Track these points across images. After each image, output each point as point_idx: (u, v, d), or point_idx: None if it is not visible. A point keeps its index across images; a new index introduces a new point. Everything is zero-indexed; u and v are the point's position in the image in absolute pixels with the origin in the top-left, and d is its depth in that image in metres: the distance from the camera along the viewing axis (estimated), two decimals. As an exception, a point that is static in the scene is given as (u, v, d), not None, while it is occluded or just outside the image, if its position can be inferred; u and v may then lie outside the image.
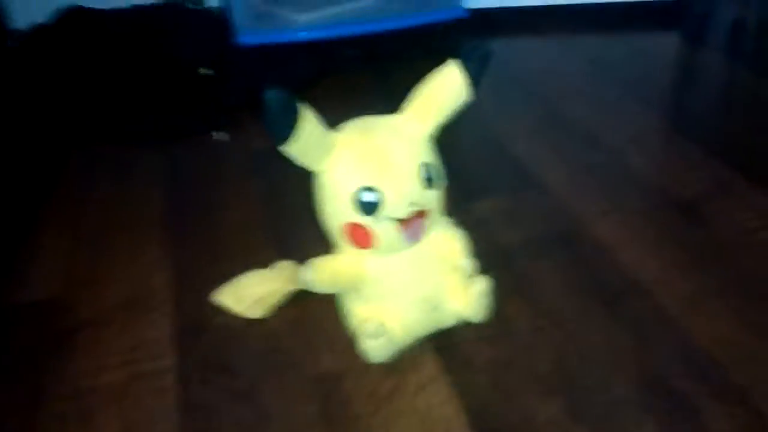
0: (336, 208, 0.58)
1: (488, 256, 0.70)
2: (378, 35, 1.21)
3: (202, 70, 1.14)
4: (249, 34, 1.17)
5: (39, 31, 1.23)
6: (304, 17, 1.20)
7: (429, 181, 0.59)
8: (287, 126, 0.54)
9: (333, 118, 0.60)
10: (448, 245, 0.63)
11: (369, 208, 0.57)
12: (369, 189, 0.57)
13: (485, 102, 1.09)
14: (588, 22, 1.39)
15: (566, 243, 0.77)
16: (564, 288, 0.71)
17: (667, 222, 0.79)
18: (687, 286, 0.69)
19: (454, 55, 0.59)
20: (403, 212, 0.58)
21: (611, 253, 0.75)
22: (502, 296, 0.68)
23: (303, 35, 1.18)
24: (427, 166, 0.59)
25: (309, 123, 0.55)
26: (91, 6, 1.30)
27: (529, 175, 0.90)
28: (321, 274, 0.59)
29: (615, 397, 0.58)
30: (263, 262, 0.73)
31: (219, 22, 1.24)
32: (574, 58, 1.26)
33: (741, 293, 0.68)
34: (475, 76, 0.59)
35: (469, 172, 0.93)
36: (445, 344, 0.64)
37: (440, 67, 0.60)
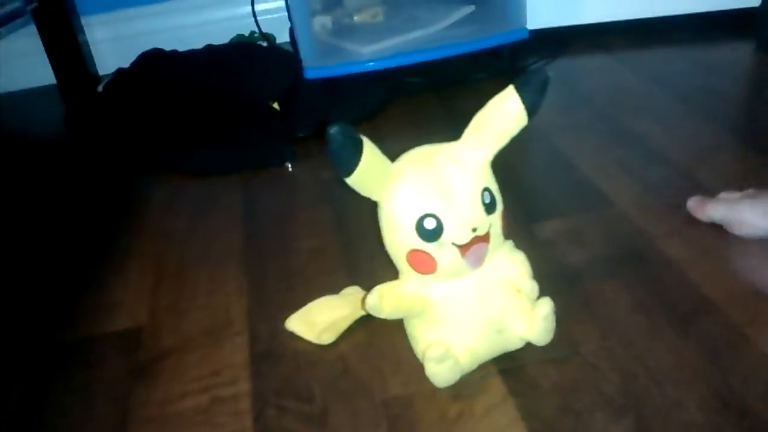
0: (398, 235, 0.60)
1: (554, 278, 0.70)
2: (442, 61, 1.24)
3: (272, 105, 1.20)
4: (315, 68, 1.22)
5: (120, 74, 1.32)
6: (369, 49, 1.24)
7: (488, 206, 0.60)
8: (350, 159, 0.57)
9: (398, 145, 0.63)
10: (510, 268, 0.64)
11: (430, 235, 0.59)
12: (430, 216, 0.58)
13: (552, 121, 1.09)
14: (655, 35, 1.37)
15: (634, 262, 0.76)
16: (632, 307, 0.70)
17: (738, 240, 0.78)
18: (759, 305, 0.68)
19: (513, 81, 0.60)
20: (464, 238, 0.59)
21: (680, 271, 0.74)
22: (568, 317, 0.68)
23: (368, 66, 1.22)
24: (486, 191, 0.60)
25: (370, 155, 0.58)
26: (168, 48, 1.38)
27: (595, 193, 0.90)
28: (385, 300, 0.61)
29: (686, 418, 0.57)
30: (334, 289, 0.76)
31: (289, 57, 1.29)
32: (641, 73, 1.24)
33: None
34: (533, 102, 0.60)
35: (534, 192, 0.93)
36: (511, 367, 0.65)
37: (499, 93, 0.61)
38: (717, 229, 0.79)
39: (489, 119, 0.61)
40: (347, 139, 0.56)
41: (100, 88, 1.35)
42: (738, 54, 1.27)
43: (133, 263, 0.90)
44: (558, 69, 1.32)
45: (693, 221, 0.81)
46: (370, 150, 0.57)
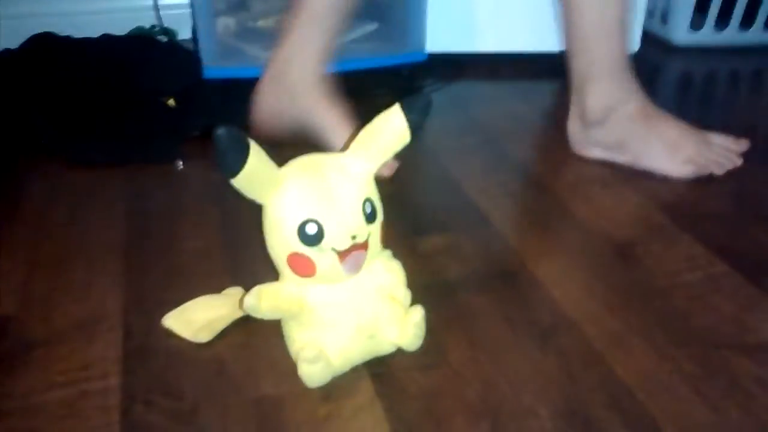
0: (280, 238, 0.62)
1: (430, 290, 0.74)
2: (341, 74, 1.26)
3: (167, 100, 1.18)
4: (215, 69, 1.22)
5: (8, 54, 1.26)
6: (270, 54, 1.24)
7: (369, 216, 0.63)
8: (235, 160, 0.58)
9: (291, 152, 0.64)
10: (386, 276, 0.67)
11: (311, 240, 0.61)
12: (312, 221, 0.60)
13: (443, 142, 1.14)
14: (546, 68, 1.45)
15: (506, 279, 0.81)
16: (499, 322, 0.74)
17: (601, 262, 0.84)
18: (613, 323, 0.74)
19: (400, 101, 0.63)
20: (344, 244, 0.61)
21: (547, 291, 0.79)
22: (439, 328, 0.72)
23: (268, 71, 1.22)
24: (367, 201, 0.63)
25: (256, 158, 0.59)
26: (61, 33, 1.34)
27: (476, 213, 0.95)
28: (263, 300, 0.62)
29: (537, 425, 0.62)
30: (217, 289, 0.76)
31: (188, 55, 1.28)
32: (531, 103, 1.32)
33: (660, 331, 0.72)
34: (416, 123, 0.64)
35: (420, 208, 0.97)
36: (381, 371, 0.67)
37: (385, 111, 0.64)
38: (581, 251, 0.86)
39: (374, 134, 0.64)
40: (234, 140, 0.57)
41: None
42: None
43: (5, 251, 0.87)
44: (452, 93, 1.37)
45: (560, 242, 0.87)
46: (256, 153, 0.58)
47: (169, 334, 0.72)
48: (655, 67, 1.57)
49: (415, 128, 0.63)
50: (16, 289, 0.80)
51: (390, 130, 0.63)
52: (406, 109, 0.63)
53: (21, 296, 0.79)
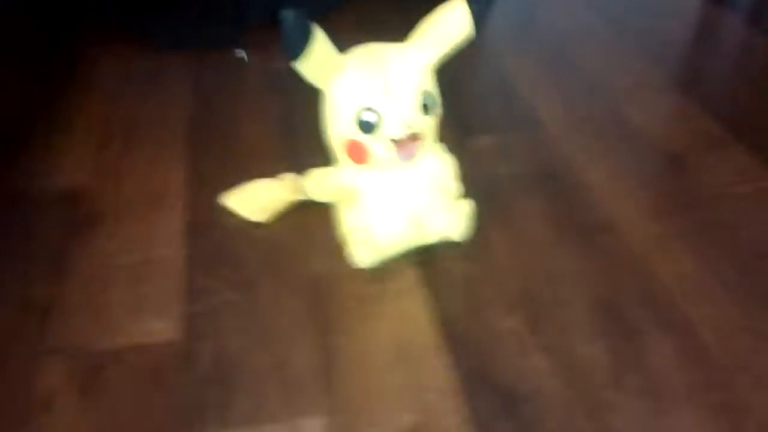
0: (338, 125, 0.64)
1: (478, 187, 0.76)
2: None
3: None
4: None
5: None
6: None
7: (426, 108, 0.64)
8: (300, 44, 0.59)
9: (350, 45, 0.66)
10: (438, 168, 0.69)
11: (368, 127, 0.63)
12: (369, 109, 0.62)
13: (502, 42, 1.13)
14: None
15: (552, 181, 0.82)
16: (544, 219, 0.76)
17: (650, 170, 0.85)
18: (656, 227, 0.75)
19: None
20: (400, 134, 0.63)
21: (592, 193, 0.80)
22: (485, 222, 0.74)
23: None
24: (425, 93, 0.64)
25: (320, 43, 0.61)
26: None
27: (528, 115, 0.95)
28: (319, 184, 0.66)
29: (572, 316, 0.65)
30: (273, 173, 0.80)
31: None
32: (595, 8, 1.28)
33: (704, 238, 0.74)
34: (479, 16, 0.64)
35: (472, 107, 0.98)
36: (427, 259, 0.71)
37: (448, 2, 0.64)
38: (632, 157, 0.86)
39: (435, 25, 0.65)
40: (300, 23, 0.59)
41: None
42: (688, 2, 1.32)
43: (80, 122, 0.92)
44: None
45: (611, 148, 0.88)
46: (320, 38, 0.60)
47: (229, 212, 0.76)
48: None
49: (478, 21, 0.64)
50: (88, 162, 0.85)
51: (452, 21, 0.64)
52: (468, 2, 0.63)
53: (92, 169, 0.84)
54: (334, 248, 0.71)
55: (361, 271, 0.69)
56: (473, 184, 0.74)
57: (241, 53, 1.09)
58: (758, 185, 0.81)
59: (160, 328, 0.64)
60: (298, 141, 0.89)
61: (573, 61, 1.09)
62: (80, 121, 0.93)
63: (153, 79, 1.04)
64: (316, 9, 1.15)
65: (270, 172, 0.80)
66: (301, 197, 0.75)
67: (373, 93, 0.63)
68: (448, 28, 0.65)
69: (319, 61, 0.61)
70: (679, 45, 1.17)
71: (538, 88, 1.02)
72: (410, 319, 0.65)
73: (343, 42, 0.64)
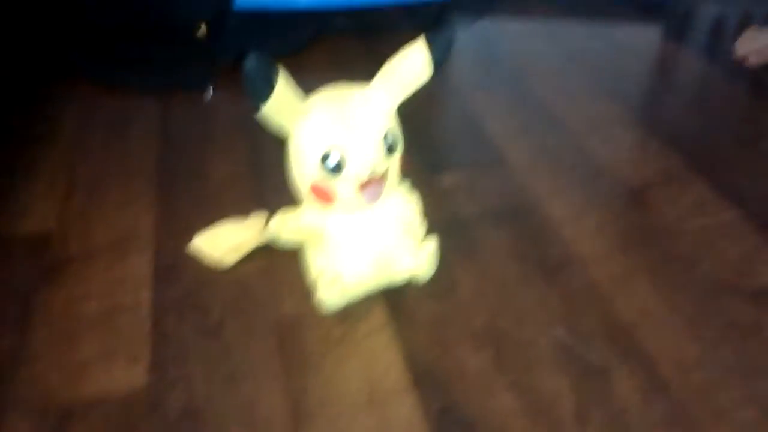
0: (303, 167, 0.65)
1: (445, 223, 0.77)
2: (372, 8, 1.27)
3: (198, 29, 1.20)
4: (247, -2, 1.23)
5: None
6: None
7: (389, 148, 0.66)
8: (264, 87, 0.60)
9: (318, 83, 0.67)
10: (403, 208, 0.70)
11: (333, 169, 0.64)
12: (334, 151, 0.63)
13: (467, 79, 1.15)
14: (576, 10, 1.44)
15: (517, 217, 0.84)
16: (509, 256, 0.78)
17: (612, 204, 0.86)
18: (618, 262, 0.77)
19: (423, 36, 0.65)
20: (364, 175, 0.64)
21: (556, 229, 0.82)
22: (451, 260, 0.75)
23: (300, 3, 1.23)
24: (388, 135, 0.65)
25: (284, 86, 0.62)
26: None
27: (494, 151, 0.97)
28: (285, 227, 0.66)
29: (537, 353, 0.66)
30: (243, 214, 0.80)
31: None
32: (557, 43, 1.31)
33: (664, 272, 0.75)
34: (438, 59, 0.65)
35: (439, 145, 0.99)
36: (394, 298, 0.72)
37: (408, 46, 0.66)
38: (594, 191, 0.88)
39: (397, 69, 0.66)
40: (263, 68, 0.60)
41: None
42: (646, 37, 1.36)
43: (47, 172, 0.92)
44: (481, 29, 1.37)
45: (574, 183, 0.89)
46: (284, 82, 0.61)
47: (198, 255, 0.77)
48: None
49: (437, 64, 0.65)
50: (56, 208, 0.85)
51: (413, 64, 0.66)
52: (428, 45, 0.65)
53: (60, 213, 0.84)
54: (302, 290, 0.72)
55: (330, 313, 0.69)
56: (439, 222, 0.75)
57: (209, 95, 1.10)
58: (717, 219, 0.83)
59: (128, 375, 0.64)
60: (267, 180, 0.90)
61: (535, 96, 1.12)
62: (47, 164, 0.93)
63: (120, 121, 1.04)
64: (282, 49, 1.19)
65: (239, 212, 0.80)
66: (266, 236, 0.75)
67: (338, 135, 0.64)
68: (409, 71, 0.66)
69: (284, 105, 0.62)
70: (637, 79, 1.20)
71: (502, 123, 1.04)
72: (378, 359, 0.65)
73: (311, 80, 0.65)
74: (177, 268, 0.76)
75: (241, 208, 0.82)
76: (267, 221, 0.74)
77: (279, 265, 0.76)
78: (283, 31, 1.22)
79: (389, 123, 0.66)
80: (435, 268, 0.72)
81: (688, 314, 0.70)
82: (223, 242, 0.77)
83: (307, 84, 0.64)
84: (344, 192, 0.65)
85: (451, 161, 0.95)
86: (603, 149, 0.97)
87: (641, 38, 1.34)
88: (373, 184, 0.65)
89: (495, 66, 1.22)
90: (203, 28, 1.20)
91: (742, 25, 1.31)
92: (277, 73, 0.60)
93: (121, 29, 1.17)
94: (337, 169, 0.64)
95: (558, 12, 1.44)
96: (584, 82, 1.15)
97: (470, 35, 1.34)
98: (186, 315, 0.70)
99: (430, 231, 0.72)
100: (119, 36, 1.16)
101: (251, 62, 0.59)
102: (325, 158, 0.63)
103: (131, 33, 1.17)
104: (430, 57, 0.65)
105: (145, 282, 0.74)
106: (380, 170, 0.65)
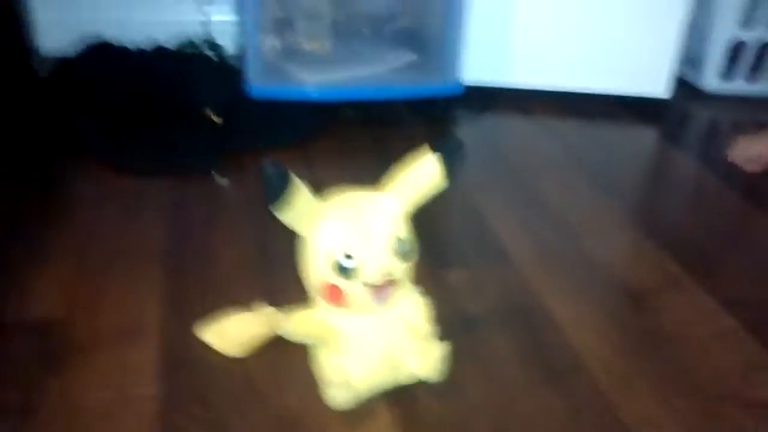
0: (316, 268, 0.67)
1: (451, 323, 0.78)
2: (379, 102, 1.31)
3: (211, 115, 1.24)
4: (260, 87, 1.27)
5: (66, 63, 1.33)
6: (314, 78, 1.30)
7: (402, 254, 0.67)
8: (280, 194, 0.63)
9: (327, 172, 0.69)
10: (413, 310, 0.71)
11: (346, 273, 0.65)
12: (347, 256, 0.65)
13: (470, 177, 1.18)
14: (572, 108, 1.49)
15: (522, 317, 0.85)
16: (515, 359, 0.79)
17: (613, 307, 0.88)
18: (621, 367, 0.78)
19: (434, 147, 0.68)
20: (376, 279, 0.66)
21: (562, 331, 0.83)
22: (458, 361, 0.76)
23: (312, 95, 1.28)
24: (401, 241, 0.67)
25: (301, 194, 0.64)
26: (114, 40, 1.40)
27: (499, 249, 0.99)
28: (296, 326, 0.67)
29: (543, 462, 0.66)
30: (249, 300, 0.80)
31: (234, 73, 1.34)
32: (556, 141, 1.36)
33: (666, 379, 0.76)
34: (448, 167, 0.68)
35: (444, 241, 1.02)
36: (401, 399, 0.72)
37: (418, 153, 0.69)
38: (596, 295, 0.90)
39: (410, 176, 0.69)
40: (280, 176, 0.62)
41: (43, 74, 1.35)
42: (643, 138, 1.40)
43: (55, 250, 0.93)
44: (482, 126, 1.41)
45: (575, 284, 0.91)
46: (299, 188, 0.64)
47: (205, 346, 0.77)
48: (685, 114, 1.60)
49: (450, 172, 0.68)
50: (63, 292, 0.85)
51: (425, 172, 0.68)
52: (439, 155, 0.67)
53: (67, 299, 0.84)
54: (309, 385, 0.72)
55: (337, 411, 0.70)
56: (447, 321, 0.76)
57: (222, 180, 1.12)
58: (716, 327, 0.85)
59: (131, 472, 0.64)
60: (275, 267, 0.91)
61: (537, 195, 1.15)
62: (56, 248, 0.94)
63: (130, 205, 1.06)
64: (293, 137, 1.22)
65: (246, 299, 0.81)
66: (277, 332, 0.76)
67: (351, 240, 0.65)
68: (421, 179, 0.69)
69: (299, 209, 0.65)
70: (633, 179, 1.24)
71: (506, 222, 1.06)
72: (383, 463, 0.65)
73: (320, 166, 0.67)
74: (183, 359, 0.76)
75: (248, 295, 0.82)
76: (275, 315, 0.75)
77: (286, 359, 0.76)
78: (294, 120, 1.26)
79: (401, 229, 0.68)
80: (443, 371, 0.73)
81: (689, 423, 0.71)
82: (231, 335, 0.77)
83: (317, 169, 0.67)
84: (356, 294, 0.66)
85: (458, 258, 0.97)
86: (601, 250, 1.00)
87: (638, 140, 1.39)
88: (384, 287, 0.67)
89: (497, 163, 1.26)
90: (217, 115, 1.24)
91: (735, 130, 1.36)
92: (292, 181, 0.63)
93: (137, 113, 1.21)
94: (350, 272, 0.65)
95: (558, 111, 1.49)
96: (583, 179, 1.18)
97: (472, 131, 1.38)
98: (190, 409, 0.70)
99: (438, 332, 0.73)
100: (133, 119, 1.20)
101: (269, 171, 0.62)
102: (338, 261, 0.65)
103: (146, 117, 1.20)
104: (442, 167, 0.68)
105: (149, 372, 0.74)
106: (392, 275, 0.67)
